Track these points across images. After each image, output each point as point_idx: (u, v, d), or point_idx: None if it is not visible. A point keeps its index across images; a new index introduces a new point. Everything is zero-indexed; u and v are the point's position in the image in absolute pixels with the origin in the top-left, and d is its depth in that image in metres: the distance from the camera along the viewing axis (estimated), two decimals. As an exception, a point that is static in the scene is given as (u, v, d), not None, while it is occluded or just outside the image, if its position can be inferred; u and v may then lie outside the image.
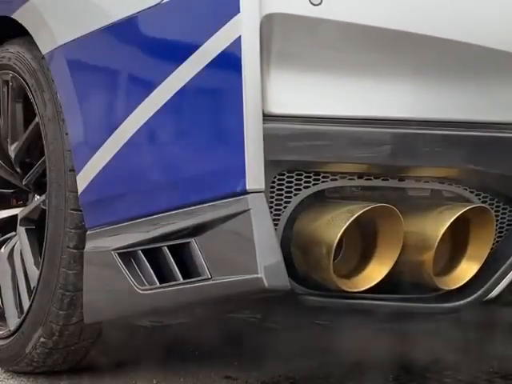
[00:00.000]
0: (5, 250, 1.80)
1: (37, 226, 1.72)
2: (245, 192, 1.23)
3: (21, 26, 1.64)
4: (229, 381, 1.68)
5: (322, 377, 1.70)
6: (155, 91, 1.34)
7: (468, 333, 2.06)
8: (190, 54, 1.28)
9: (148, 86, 1.35)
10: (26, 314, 1.61)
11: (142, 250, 1.37)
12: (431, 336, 2.00)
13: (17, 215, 1.77)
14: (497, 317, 2.20)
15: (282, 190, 1.27)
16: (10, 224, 1.83)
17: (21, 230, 1.73)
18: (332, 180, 1.29)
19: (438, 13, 1.31)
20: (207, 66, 1.26)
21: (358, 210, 1.23)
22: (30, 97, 1.63)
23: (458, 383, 1.70)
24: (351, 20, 1.26)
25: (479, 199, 1.36)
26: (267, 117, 1.24)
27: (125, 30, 1.41)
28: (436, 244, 1.25)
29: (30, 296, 1.63)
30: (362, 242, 1.29)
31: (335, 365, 1.78)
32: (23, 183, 1.77)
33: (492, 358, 1.87)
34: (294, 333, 1.99)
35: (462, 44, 1.30)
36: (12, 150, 1.77)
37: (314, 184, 1.28)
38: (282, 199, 1.27)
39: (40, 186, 1.71)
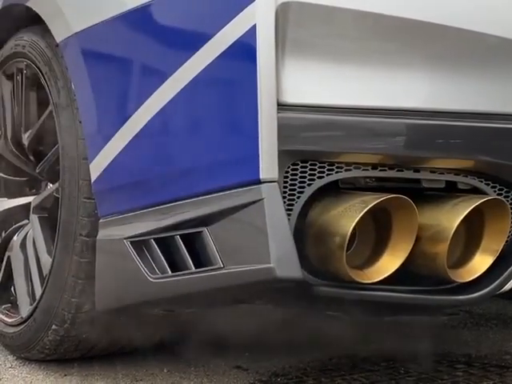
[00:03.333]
0: (17, 237, 1.81)
1: (49, 214, 1.72)
2: (258, 181, 1.22)
3: (35, 13, 1.64)
4: (239, 371, 1.68)
5: (332, 368, 1.70)
6: (169, 80, 1.33)
7: (480, 326, 2.05)
8: (205, 42, 1.28)
9: (162, 75, 1.35)
10: (38, 302, 1.61)
11: (154, 239, 1.37)
12: (442, 329, 1.99)
13: (30, 203, 1.78)
14: (510, 310, 2.19)
15: (296, 179, 1.26)
16: (22, 212, 1.84)
17: (34, 217, 1.74)
18: (346, 170, 1.28)
19: (454, 2, 1.29)
20: (222, 54, 1.25)
21: (371, 200, 1.22)
22: (44, 85, 1.63)
23: (470, 377, 1.69)
24: (367, 9, 1.25)
25: (495, 191, 1.35)
26: (281, 106, 1.23)
27: (139, 18, 1.41)
28: (450, 236, 1.24)
29: (42, 284, 1.64)
30: (375, 233, 1.28)
31: (346, 356, 1.77)
32: (36, 171, 1.77)
33: (504, 352, 1.86)
34: (305, 324, 1.99)
35: (478, 34, 1.28)
36: (25, 138, 1.77)
37: (327, 174, 1.27)
38: (295, 189, 1.27)
39: (53, 174, 1.71)
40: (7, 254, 1.81)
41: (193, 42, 1.30)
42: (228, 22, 1.25)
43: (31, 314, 1.63)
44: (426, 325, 1.95)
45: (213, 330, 1.81)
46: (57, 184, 1.64)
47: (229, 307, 1.63)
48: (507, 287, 1.34)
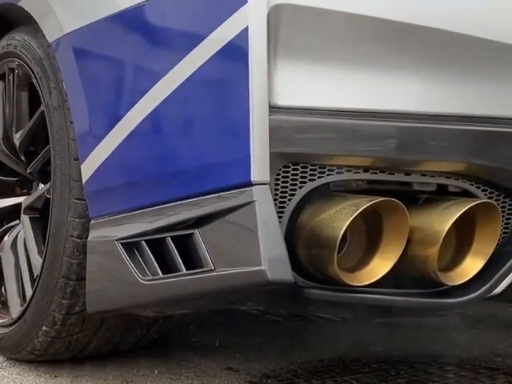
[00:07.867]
0: (8, 238, 1.80)
1: (41, 215, 1.71)
2: (250, 184, 1.22)
3: (27, 13, 1.63)
4: (230, 372, 1.68)
5: (323, 370, 1.70)
6: (161, 81, 1.33)
7: (471, 329, 2.05)
8: (197, 43, 1.27)
9: (154, 76, 1.35)
10: (29, 303, 1.61)
11: (145, 241, 1.36)
12: (433, 331, 2.00)
13: (21, 203, 1.77)
14: (500, 313, 2.19)
15: (287, 182, 1.27)
16: (13, 212, 1.83)
17: (25, 218, 1.73)
18: (337, 173, 1.28)
19: (448, 6, 1.30)
20: (214, 56, 1.25)
21: (363, 203, 1.22)
22: (36, 85, 1.62)
23: (461, 379, 1.69)
24: (359, 12, 1.25)
25: (486, 194, 1.35)
26: (273, 108, 1.23)
27: (132, 18, 1.40)
28: (441, 239, 1.24)
29: (32, 284, 1.63)
30: (366, 236, 1.28)
31: (337, 358, 1.77)
32: (27, 171, 1.77)
33: (495, 355, 1.86)
34: (296, 325, 1.99)
35: (471, 38, 1.29)
36: (17, 138, 1.76)
37: (319, 177, 1.27)
38: (286, 192, 1.27)
39: (44, 175, 1.71)
40: (-2, 254, 1.81)
41: (185, 43, 1.30)
42: (221, 24, 1.25)
43: (22, 315, 1.63)
44: (417, 327, 1.95)
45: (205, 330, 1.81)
46: (48, 184, 1.64)
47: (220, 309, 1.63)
48: (498, 290, 1.35)
